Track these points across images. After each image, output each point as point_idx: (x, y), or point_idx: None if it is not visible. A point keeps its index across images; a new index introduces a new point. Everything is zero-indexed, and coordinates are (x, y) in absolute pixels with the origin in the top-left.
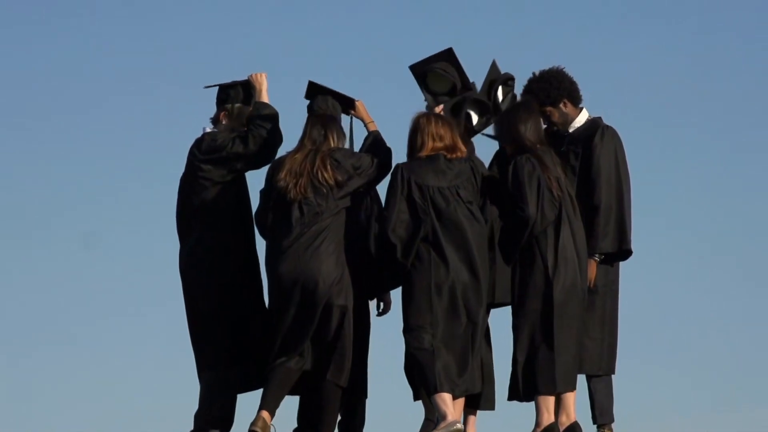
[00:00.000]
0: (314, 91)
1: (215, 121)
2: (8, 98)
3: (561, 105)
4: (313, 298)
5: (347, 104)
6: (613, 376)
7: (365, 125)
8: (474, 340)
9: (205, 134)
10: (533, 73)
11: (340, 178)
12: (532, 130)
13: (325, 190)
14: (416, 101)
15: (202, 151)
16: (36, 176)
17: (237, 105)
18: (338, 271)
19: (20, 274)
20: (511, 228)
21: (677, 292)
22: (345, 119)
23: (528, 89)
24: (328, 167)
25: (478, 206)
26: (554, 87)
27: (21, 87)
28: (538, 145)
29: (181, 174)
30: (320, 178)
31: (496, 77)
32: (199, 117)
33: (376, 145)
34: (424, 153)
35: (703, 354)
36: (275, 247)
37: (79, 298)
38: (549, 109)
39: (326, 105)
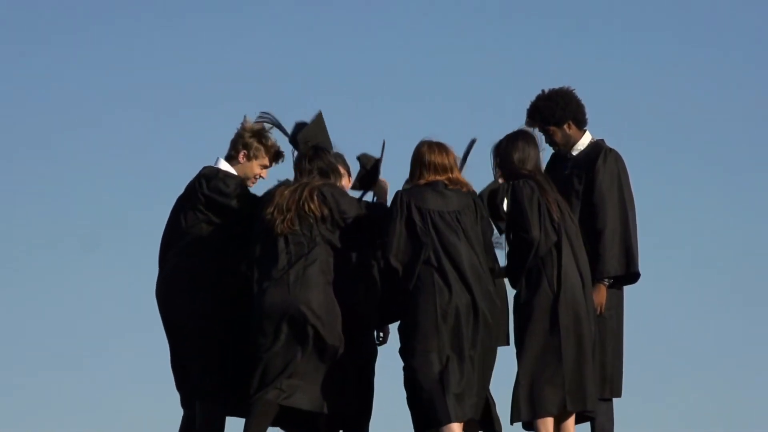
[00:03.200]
0: (378, 162)
1: (230, 158)
2: (8, 100)
3: (565, 126)
4: (300, 330)
5: (374, 178)
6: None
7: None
8: (476, 363)
9: (220, 171)
10: (542, 91)
11: (326, 211)
12: (529, 159)
13: (311, 220)
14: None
15: (209, 188)
16: (36, 176)
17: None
18: (328, 303)
19: (20, 274)
20: (516, 251)
21: (680, 314)
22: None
23: (535, 106)
24: (315, 199)
25: (480, 243)
26: (560, 108)
27: (21, 89)
28: (536, 174)
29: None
30: (306, 210)
31: (495, 188)
32: (200, 117)
33: (375, 205)
34: (422, 182)
35: (705, 376)
36: (262, 278)
37: (78, 300)
38: (552, 128)
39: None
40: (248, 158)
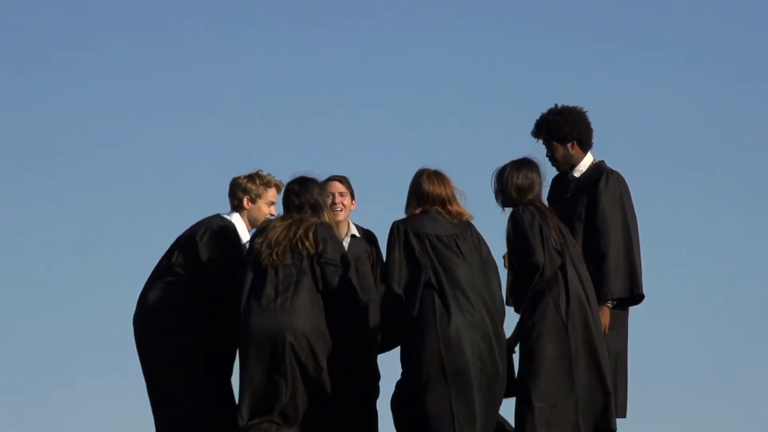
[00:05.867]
0: None
1: (236, 208)
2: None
3: (569, 145)
4: (287, 357)
5: None
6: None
7: None
8: (483, 382)
9: (227, 231)
10: (555, 105)
11: (320, 248)
12: (531, 188)
13: (304, 253)
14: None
15: (206, 245)
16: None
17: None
18: (314, 331)
19: (20, 273)
20: (521, 276)
21: (683, 334)
22: None
23: (544, 119)
24: (311, 236)
25: (479, 266)
26: (568, 125)
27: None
28: (535, 201)
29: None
30: (300, 247)
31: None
32: (201, 115)
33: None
34: (417, 211)
35: (709, 398)
36: (250, 305)
37: (78, 300)
38: (555, 144)
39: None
40: (252, 201)
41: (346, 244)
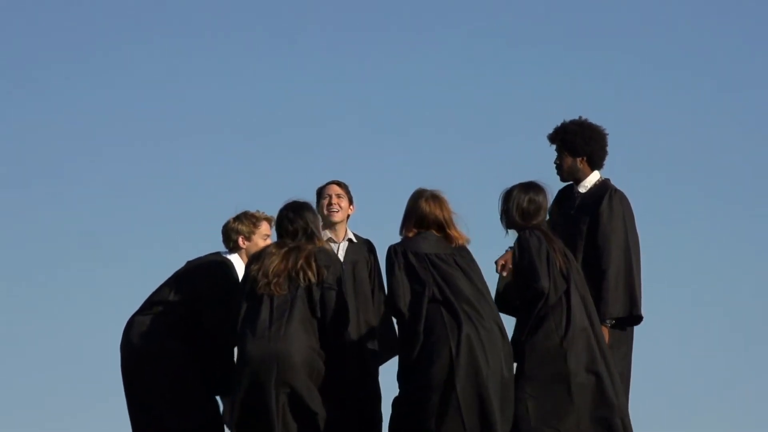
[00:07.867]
0: None
1: (234, 249)
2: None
3: (578, 159)
4: (279, 385)
5: None
6: None
7: None
8: (497, 389)
9: (225, 268)
10: (579, 116)
11: (323, 274)
12: (537, 213)
13: (301, 282)
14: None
15: (203, 282)
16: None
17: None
18: (308, 356)
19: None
20: (525, 301)
21: (683, 355)
22: None
23: (563, 127)
24: (313, 266)
25: (480, 279)
26: (584, 140)
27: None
28: (540, 225)
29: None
30: (301, 277)
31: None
32: (201, 117)
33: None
34: (411, 234)
35: (709, 411)
36: (245, 332)
37: (77, 301)
38: (566, 153)
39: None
40: (247, 239)
41: (343, 247)
